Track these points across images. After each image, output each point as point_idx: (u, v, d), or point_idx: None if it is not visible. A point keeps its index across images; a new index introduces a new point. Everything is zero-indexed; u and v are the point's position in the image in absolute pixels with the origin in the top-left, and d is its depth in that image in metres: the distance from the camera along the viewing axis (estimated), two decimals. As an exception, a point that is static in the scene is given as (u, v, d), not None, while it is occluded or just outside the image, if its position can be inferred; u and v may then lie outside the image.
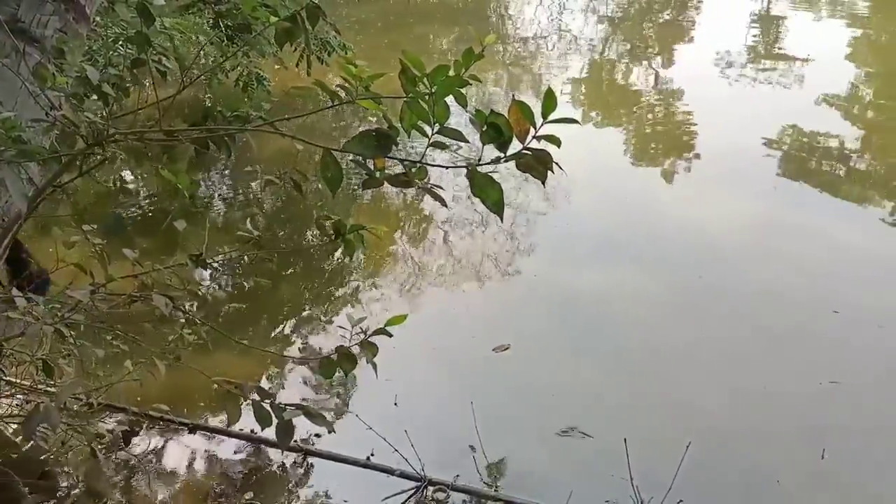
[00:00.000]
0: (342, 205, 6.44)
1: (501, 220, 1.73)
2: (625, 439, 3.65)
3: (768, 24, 12.28)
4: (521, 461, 4.00)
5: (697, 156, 7.59)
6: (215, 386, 1.87)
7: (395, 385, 4.25)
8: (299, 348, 4.91)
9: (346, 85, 1.71)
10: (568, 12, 13.07)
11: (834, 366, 4.58)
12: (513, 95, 1.64)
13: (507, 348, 4.74)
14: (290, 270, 5.55)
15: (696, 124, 8.34)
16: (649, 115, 8.87)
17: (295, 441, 3.84)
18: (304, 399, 4.37)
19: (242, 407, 1.85)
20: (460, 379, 4.59)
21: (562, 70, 10.19)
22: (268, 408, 1.76)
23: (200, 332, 2.02)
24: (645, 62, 10.61)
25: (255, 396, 1.80)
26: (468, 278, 5.59)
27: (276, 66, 6.89)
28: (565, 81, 9.65)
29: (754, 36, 11.56)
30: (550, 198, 6.59)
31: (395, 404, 4.24)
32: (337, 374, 1.96)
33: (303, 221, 6.17)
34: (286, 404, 1.80)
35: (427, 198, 6.09)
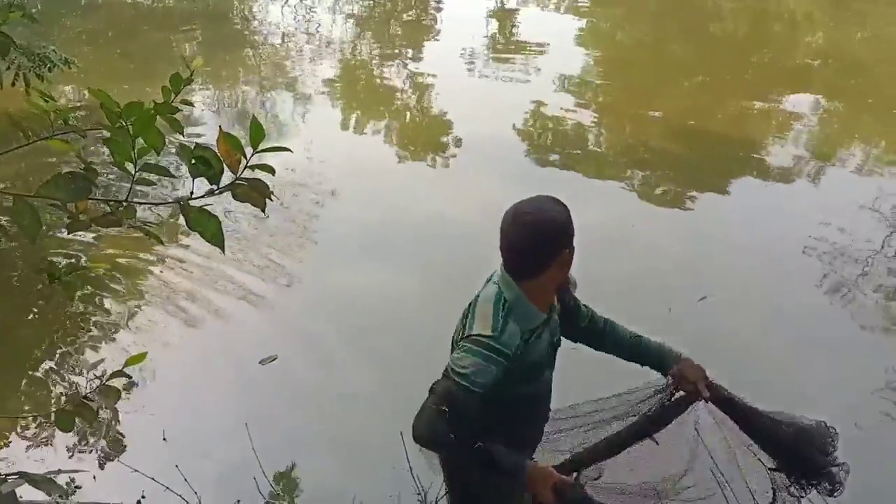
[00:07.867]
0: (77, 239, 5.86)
1: (223, 251, 1.70)
2: (401, 433, 3.73)
3: (504, 17, 13.09)
4: (304, 473, 3.98)
5: (455, 146, 7.94)
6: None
7: (160, 419, 4.04)
8: (24, 404, 4.46)
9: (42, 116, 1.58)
10: (314, 13, 13.05)
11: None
12: (220, 126, 1.60)
13: (274, 359, 4.66)
14: (22, 318, 5.03)
15: (449, 118, 8.71)
16: (405, 112, 9.11)
17: (55, 497, 3.52)
18: (69, 452, 4.01)
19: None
20: (230, 398, 4.45)
21: (314, 70, 10.15)
22: (-15, 482, 1.60)
23: None
24: (396, 60, 10.86)
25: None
26: (229, 294, 5.40)
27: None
28: (320, 83, 9.62)
29: (493, 29, 12.27)
30: (317, 204, 6.56)
31: (164, 439, 4.03)
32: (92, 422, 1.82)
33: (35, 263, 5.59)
34: (6, 474, 1.65)
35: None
